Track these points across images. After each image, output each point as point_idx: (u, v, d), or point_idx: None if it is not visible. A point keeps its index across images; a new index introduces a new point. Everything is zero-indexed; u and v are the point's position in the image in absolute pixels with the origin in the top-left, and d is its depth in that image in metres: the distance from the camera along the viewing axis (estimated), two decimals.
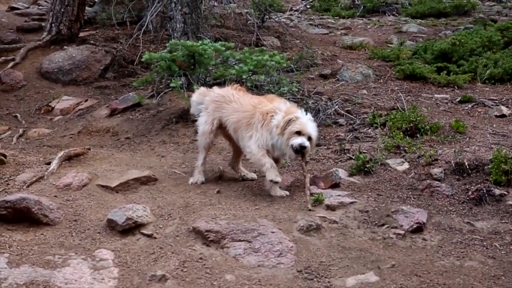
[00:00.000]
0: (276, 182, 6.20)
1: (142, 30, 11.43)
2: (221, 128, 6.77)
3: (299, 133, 6.05)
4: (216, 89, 6.98)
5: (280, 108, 6.27)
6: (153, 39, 12.31)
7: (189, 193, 6.32)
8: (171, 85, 8.54)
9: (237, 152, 6.82)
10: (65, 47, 11.98)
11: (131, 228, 5.42)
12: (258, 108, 6.39)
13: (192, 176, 6.76)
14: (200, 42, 8.61)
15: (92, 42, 12.34)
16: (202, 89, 7.18)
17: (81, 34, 12.98)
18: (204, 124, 6.78)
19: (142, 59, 9.14)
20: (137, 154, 7.76)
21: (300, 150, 6.07)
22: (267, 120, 6.24)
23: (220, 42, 8.93)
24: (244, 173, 6.84)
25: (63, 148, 7.76)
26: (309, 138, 6.09)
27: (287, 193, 6.28)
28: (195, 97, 7.12)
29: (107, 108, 9.53)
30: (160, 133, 8.43)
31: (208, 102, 6.81)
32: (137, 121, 8.95)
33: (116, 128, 8.87)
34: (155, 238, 5.33)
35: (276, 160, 6.39)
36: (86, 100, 10.22)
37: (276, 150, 6.27)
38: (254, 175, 6.83)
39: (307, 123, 6.15)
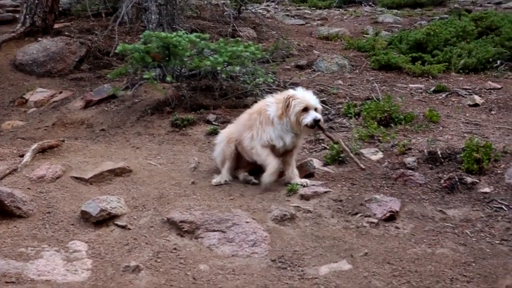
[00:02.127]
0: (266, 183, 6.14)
1: (118, 21, 11.34)
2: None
3: (305, 109, 6.00)
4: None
5: (269, 101, 6.25)
6: (129, 30, 12.25)
7: (163, 184, 6.31)
8: (145, 76, 8.51)
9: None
10: (39, 39, 11.85)
11: (105, 220, 5.42)
12: (250, 111, 6.41)
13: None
14: (174, 33, 8.57)
15: (67, 33, 12.24)
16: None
17: (56, 26, 12.86)
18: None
19: (116, 51, 9.09)
20: (112, 146, 7.74)
21: (315, 125, 6.05)
22: (262, 115, 6.18)
23: (194, 33, 8.89)
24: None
25: (37, 140, 7.70)
26: (316, 109, 6.06)
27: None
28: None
29: (82, 100, 9.46)
30: (135, 125, 8.41)
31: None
32: (112, 112, 8.92)
33: (91, 120, 8.83)
34: (129, 229, 5.33)
35: (287, 152, 6.26)
36: (61, 92, 10.14)
37: (285, 139, 6.13)
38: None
39: (306, 96, 6.08)
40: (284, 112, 6.01)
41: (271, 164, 6.08)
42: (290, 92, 6.19)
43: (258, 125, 6.20)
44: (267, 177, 6.09)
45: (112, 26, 11.37)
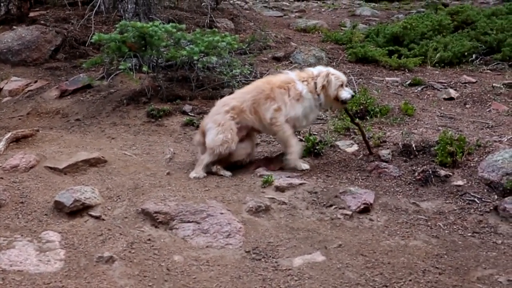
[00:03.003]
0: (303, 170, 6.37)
1: (94, 11, 11.29)
2: None
3: (342, 85, 6.36)
4: None
5: (291, 77, 6.44)
6: (105, 20, 12.12)
7: (138, 174, 6.28)
8: (121, 67, 8.43)
9: None
10: (14, 27, 11.74)
11: (79, 210, 5.38)
12: (271, 83, 6.45)
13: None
14: (150, 23, 8.52)
15: (42, 22, 12.08)
16: None
17: (31, 14, 12.69)
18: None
19: (92, 40, 9.01)
20: (87, 136, 7.68)
21: (347, 101, 6.49)
22: (292, 90, 6.32)
23: (171, 24, 8.85)
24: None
25: (11, 129, 7.63)
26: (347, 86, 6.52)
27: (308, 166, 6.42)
28: None
29: (57, 90, 9.38)
30: (110, 115, 8.36)
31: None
32: (88, 102, 8.86)
33: (66, 109, 8.76)
34: (103, 219, 5.29)
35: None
36: (36, 81, 10.05)
37: (309, 118, 6.46)
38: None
39: (339, 73, 6.51)
40: (325, 87, 6.31)
41: (295, 145, 6.38)
42: (326, 69, 6.48)
43: (286, 100, 6.31)
44: (294, 159, 6.37)
45: (89, 16, 11.31)
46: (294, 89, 6.29)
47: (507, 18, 12.09)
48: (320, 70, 6.44)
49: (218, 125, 6.29)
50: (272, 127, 6.32)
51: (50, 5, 14.04)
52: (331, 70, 6.44)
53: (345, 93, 6.36)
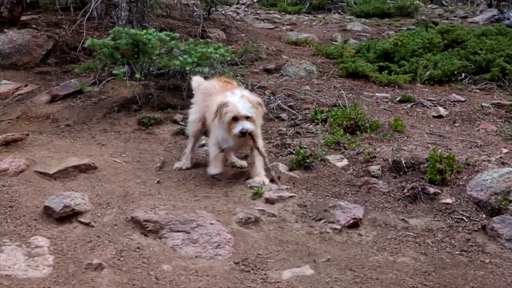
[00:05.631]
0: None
1: (86, 16, 11.23)
2: None
3: (235, 118, 6.08)
4: (204, 81, 7.05)
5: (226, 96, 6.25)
6: (97, 26, 12.13)
7: (128, 182, 6.28)
8: (114, 72, 8.41)
9: None
10: (5, 30, 11.64)
11: (68, 216, 5.36)
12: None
13: (178, 161, 6.90)
14: (144, 31, 8.54)
15: (34, 26, 12.06)
16: (197, 78, 7.23)
17: (23, 18, 12.65)
18: (193, 113, 6.89)
19: (85, 45, 8.99)
20: (77, 142, 7.66)
21: (244, 135, 6.12)
22: (220, 112, 6.16)
23: (165, 32, 8.86)
24: (234, 161, 6.87)
25: (1, 133, 7.56)
26: (247, 118, 6.10)
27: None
28: (193, 84, 7.13)
29: (47, 94, 9.33)
30: (101, 121, 8.33)
31: (198, 93, 6.90)
32: (78, 108, 8.83)
33: (57, 114, 8.72)
34: (93, 226, 5.28)
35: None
36: (26, 85, 9.99)
37: (229, 142, 6.31)
38: (245, 163, 6.83)
39: (238, 104, 6.09)
40: (218, 119, 6.15)
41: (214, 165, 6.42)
42: (225, 98, 6.19)
43: (216, 122, 6.29)
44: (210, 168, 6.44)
45: (81, 21, 11.25)
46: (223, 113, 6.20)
47: (496, 39, 12.21)
48: (227, 100, 6.14)
49: None
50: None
51: (42, 9, 14.04)
52: (229, 100, 6.09)
53: (236, 128, 6.07)
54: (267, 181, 6.26)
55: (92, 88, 9.19)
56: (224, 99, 6.16)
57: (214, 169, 6.38)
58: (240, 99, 6.11)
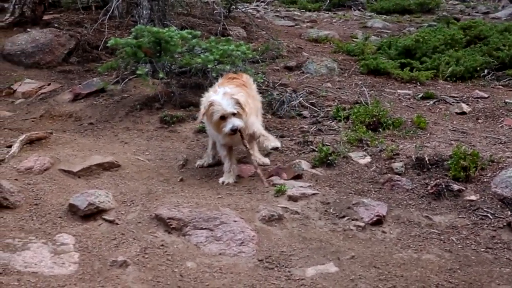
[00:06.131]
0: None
1: (108, 15, 11.30)
2: None
3: (223, 118, 6.11)
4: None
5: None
6: (119, 25, 12.17)
7: (152, 180, 6.31)
8: (138, 72, 8.45)
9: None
10: (28, 29, 11.77)
11: (93, 214, 5.41)
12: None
13: (200, 159, 6.98)
14: (166, 29, 8.56)
15: (56, 25, 12.16)
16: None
17: (45, 17, 12.75)
18: None
19: (108, 45, 9.01)
20: (100, 140, 7.71)
21: (235, 132, 6.15)
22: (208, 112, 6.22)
23: (186, 30, 8.89)
24: (258, 158, 6.80)
25: (25, 131, 7.66)
26: (235, 114, 6.11)
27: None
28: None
29: (70, 93, 9.39)
30: (124, 120, 8.37)
31: None
32: (101, 106, 8.88)
33: (79, 113, 8.78)
34: (117, 224, 5.32)
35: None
36: (49, 84, 10.06)
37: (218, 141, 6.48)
38: (267, 161, 6.85)
39: (223, 103, 6.10)
40: (207, 119, 6.25)
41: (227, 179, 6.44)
42: (209, 97, 6.24)
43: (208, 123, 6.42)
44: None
45: (102, 20, 11.33)
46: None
47: None
48: (212, 99, 6.19)
49: None
50: None
51: (64, 8, 14.11)
52: (215, 99, 6.13)
53: (225, 127, 6.11)
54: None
55: (114, 86, 9.22)
56: (208, 98, 6.23)
57: (226, 179, 6.39)
58: (223, 97, 6.14)
